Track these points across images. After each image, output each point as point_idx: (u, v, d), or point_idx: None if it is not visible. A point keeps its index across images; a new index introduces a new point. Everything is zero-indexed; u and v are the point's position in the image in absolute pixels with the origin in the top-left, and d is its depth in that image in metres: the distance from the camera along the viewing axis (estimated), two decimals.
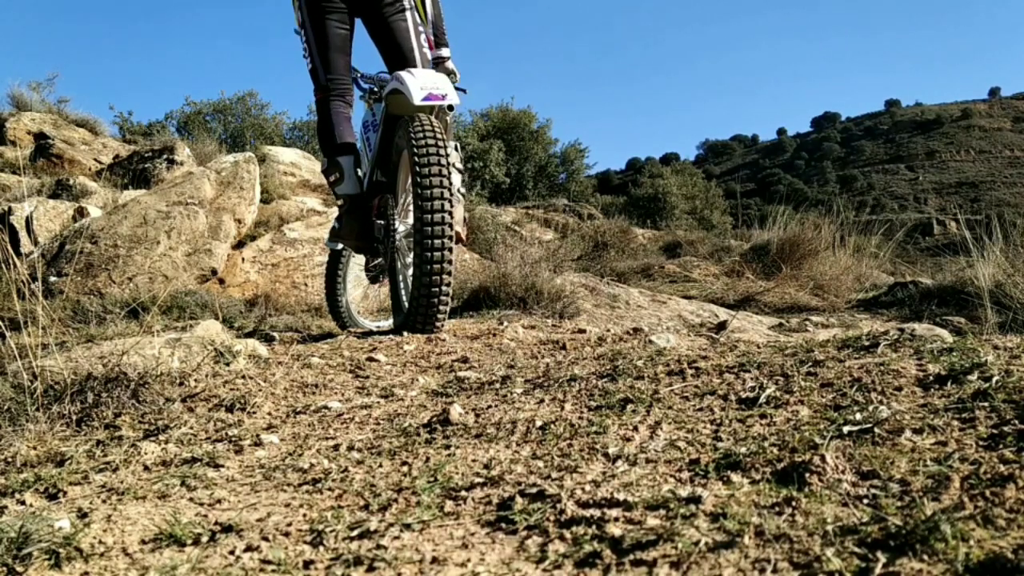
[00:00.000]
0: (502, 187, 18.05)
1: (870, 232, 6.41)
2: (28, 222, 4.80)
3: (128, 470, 1.29)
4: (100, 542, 0.95)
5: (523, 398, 1.52)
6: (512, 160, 18.95)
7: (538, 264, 3.77)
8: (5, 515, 1.09)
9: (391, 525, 0.91)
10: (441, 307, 2.46)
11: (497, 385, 1.70)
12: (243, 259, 5.45)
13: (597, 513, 0.86)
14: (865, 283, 5.57)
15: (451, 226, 2.38)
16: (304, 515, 0.99)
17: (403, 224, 2.91)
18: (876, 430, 1.00)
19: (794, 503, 0.82)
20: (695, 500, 0.85)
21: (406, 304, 2.73)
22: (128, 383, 1.73)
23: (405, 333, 2.49)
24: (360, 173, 2.97)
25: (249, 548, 0.90)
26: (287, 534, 0.93)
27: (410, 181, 2.53)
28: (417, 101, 2.47)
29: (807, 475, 0.89)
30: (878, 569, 0.66)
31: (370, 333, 2.99)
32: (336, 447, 1.33)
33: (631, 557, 0.76)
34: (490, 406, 1.49)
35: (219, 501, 1.09)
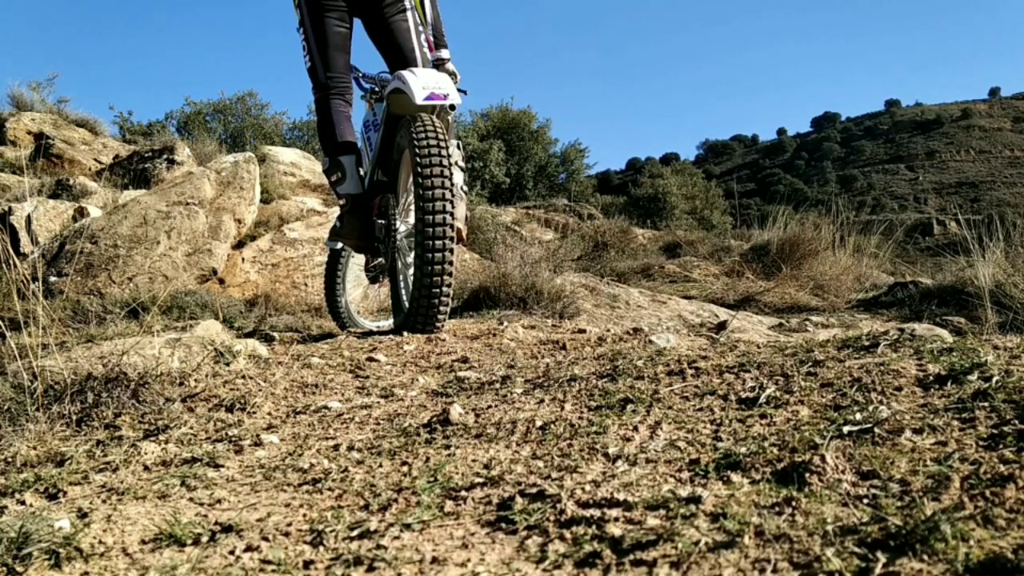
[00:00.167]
0: (502, 187, 18.04)
1: (870, 232, 6.41)
2: (28, 222, 4.80)
3: (128, 470, 1.29)
4: (100, 542, 0.95)
5: (523, 398, 1.52)
6: (512, 160, 18.95)
7: (538, 264, 3.77)
8: (5, 515, 1.09)
9: (391, 525, 0.91)
10: (441, 307, 2.46)
11: (497, 385, 1.70)
12: (243, 259, 5.45)
13: (597, 513, 0.86)
14: (865, 283, 5.57)
15: (452, 227, 2.38)
16: (304, 515, 0.99)
17: (404, 224, 2.91)
18: (876, 430, 1.00)
19: (794, 503, 0.82)
20: (695, 500, 0.85)
21: (406, 304, 2.73)
22: (128, 383, 1.73)
23: (405, 333, 2.49)
24: (361, 172, 2.97)
25: (249, 548, 0.90)
26: (287, 534, 0.93)
27: (411, 181, 2.53)
28: (419, 101, 2.46)
29: (807, 475, 0.89)
30: (878, 569, 0.66)
31: (370, 333, 2.99)
32: (336, 447, 1.33)
33: (631, 557, 0.76)
34: (490, 406, 1.49)
35: (219, 501, 1.09)
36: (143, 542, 0.95)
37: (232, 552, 0.89)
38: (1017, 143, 71.74)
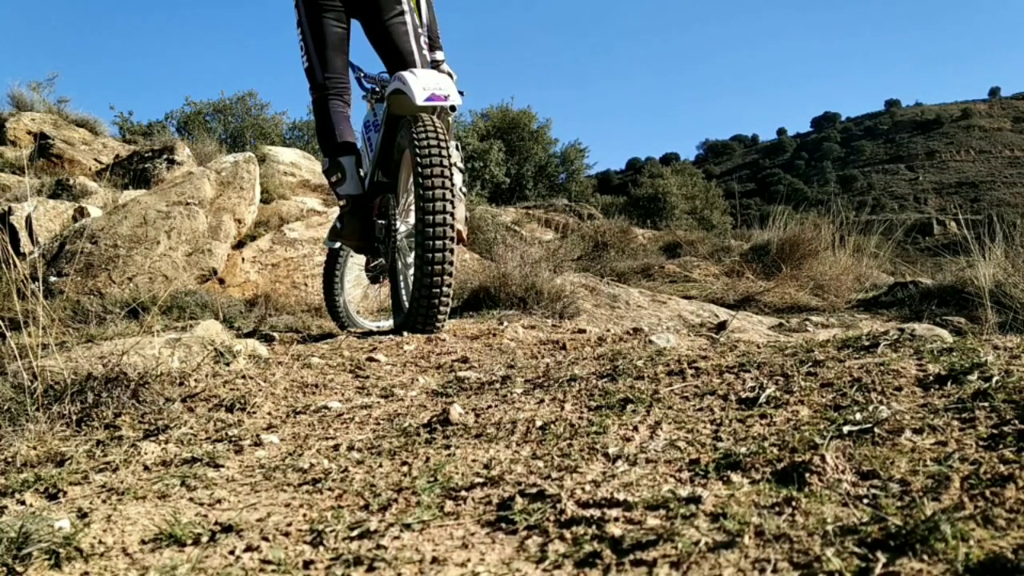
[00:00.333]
0: (502, 187, 18.04)
1: (870, 232, 6.41)
2: (28, 222, 4.80)
3: (128, 470, 1.29)
4: (100, 542, 0.95)
5: (523, 398, 1.52)
6: (512, 160, 18.95)
7: (538, 264, 3.77)
8: (5, 515, 1.09)
9: (391, 525, 0.91)
10: (442, 307, 2.46)
11: (497, 385, 1.70)
12: (243, 259, 5.45)
13: (597, 513, 0.86)
14: (865, 283, 5.57)
15: (452, 227, 2.38)
16: (304, 515, 0.99)
17: (404, 224, 2.91)
18: (876, 430, 1.00)
19: (794, 503, 0.82)
20: (695, 500, 0.85)
21: (406, 304, 2.73)
22: (128, 383, 1.73)
23: (405, 333, 2.49)
24: (361, 173, 2.97)
25: (249, 548, 0.90)
26: (287, 534, 0.93)
27: (411, 181, 2.53)
28: (420, 101, 2.46)
29: (807, 475, 0.89)
30: (878, 569, 0.66)
31: (370, 333, 2.99)
32: (336, 447, 1.33)
33: (631, 557, 0.76)
34: (490, 406, 1.49)
35: (219, 501, 1.09)
36: (143, 542, 0.95)
37: (232, 552, 0.89)
38: (1017, 143, 71.76)
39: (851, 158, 78.24)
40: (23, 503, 1.16)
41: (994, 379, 1.13)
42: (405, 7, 2.93)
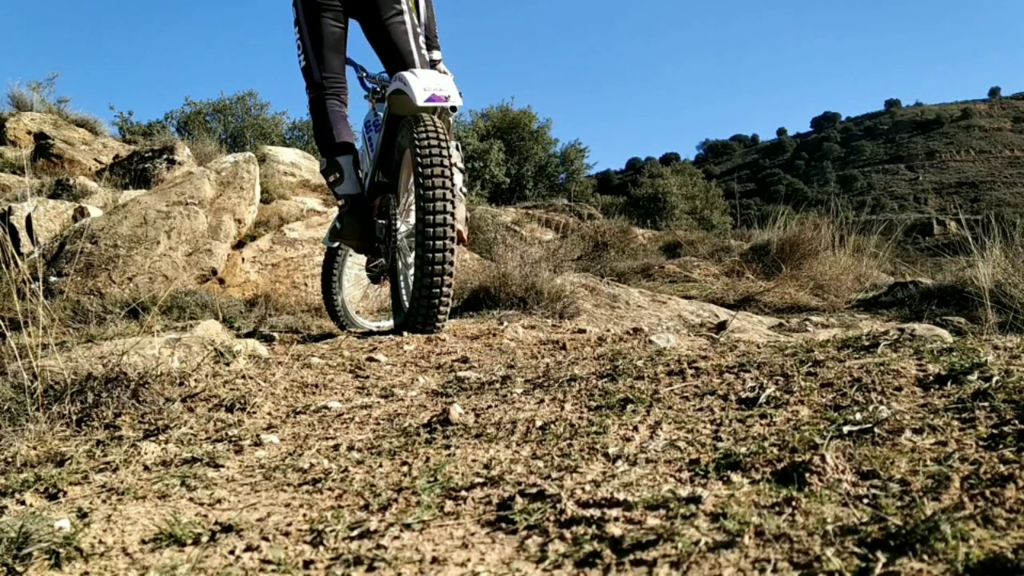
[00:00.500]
0: (502, 187, 18.04)
1: (870, 232, 6.41)
2: (28, 222, 4.80)
3: (128, 470, 1.29)
4: (100, 542, 0.95)
5: (523, 398, 1.52)
6: (512, 160, 18.95)
7: (538, 264, 3.77)
8: (5, 515, 1.09)
9: (391, 525, 0.91)
10: (442, 307, 2.46)
11: (497, 385, 1.70)
12: (243, 259, 5.45)
13: (597, 513, 0.86)
14: (865, 283, 5.57)
15: (453, 227, 2.38)
16: (304, 515, 0.99)
17: (404, 224, 2.91)
18: (876, 430, 1.00)
19: (794, 503, 0.82)
20: (695, 500, 0.85)
21: (407, 304, 2.73)
22: (128, 383, 1.73)
23: (405, 333, 2.49)
24: (360, 173, 2.97)
25: (249, 548, 0.90)
26: (287, 534, 0.93)
27: (412, 181, 2.53)
28: (420, 102, 2.46)
29: (807, 475, 0.89)
30: (878, 569, 0.66)
31: (370, 333, 2.99)
32: (336, 447, 1.33)
33: (631, 557, 0.76)
34: (490, 406, 1.49)
35: (219, 501, 1.09)
36: (143, 542, 0.95)
37: (232, 552, 0.89)
38: (1017, 143, 71.76)
39: (851, 158, 78.26)
40: (23, 503, 1.16)
41: (994, 379, 1.13)
42: (404, 6, 2.93)
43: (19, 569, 0.88)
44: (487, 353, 2.24)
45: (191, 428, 1.53)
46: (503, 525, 0.88)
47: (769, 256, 6.26)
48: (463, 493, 1.00)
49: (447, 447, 1.23)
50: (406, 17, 2.93)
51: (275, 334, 3.21)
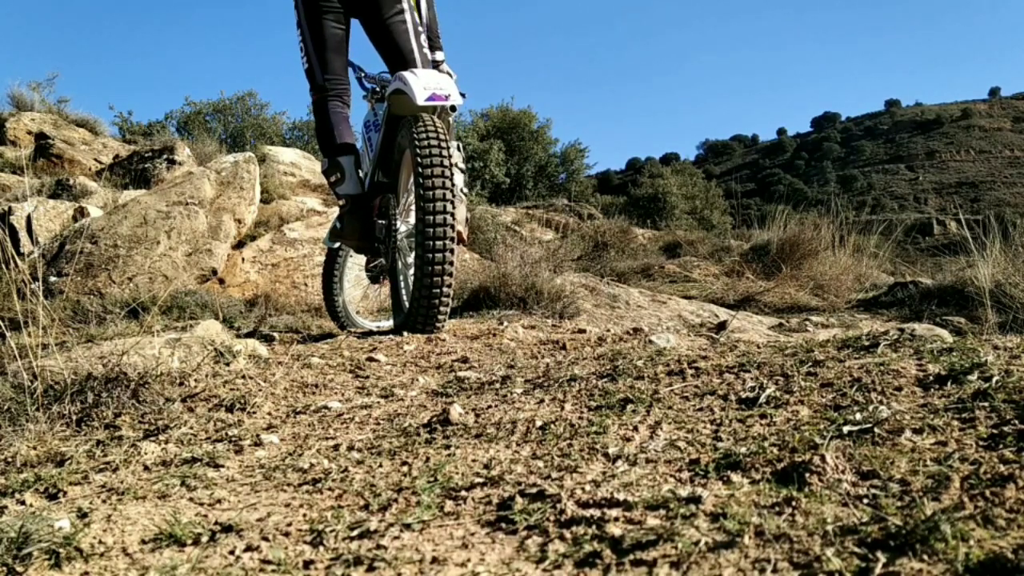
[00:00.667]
0: (502, 187, 18.04)
1: (870, 232, 6.41)
2: (28, 222, 4.80)
3: (128, 470, 1.29)
4: (100, 542, 0.95)
5: (523, 398, 1.52)
6: (512, 160, 18.95)
7: (538, 264, 3.77)
8: (5, 515, 1.09)
9: (391, 525, 0.91)
10: (442, 307, 2.46)
11: (497, 385, 1.70)
12: (243, 259, 5.45)
13: (597, 513, 0.86)
14: (865, 283, 5.57)
15: (453, 227, 2.38)
16: (304, 515, 0.99)
17: (404, 224, 2.91)
18: (876, 430, 1.00)
19: (794, 503, 0.82)
20: (695, 500, 0.85)
21: (407, 304, 2.73)
22: (128, 383, 1.73)
23: (405, 333, 2.49)
24: (361, 173, 2.97)
25: (249, 548, 0.90)
26: (287, 534, 0.93)
27: (412, 181, 2.53)
28: (420, 101, 2.46)
29: (807, 475, 0.89)
30: (878, 569, 0.66)
31: (370, 333, 2.99)
32: (336, 447, 1.33)
33: (631, 557, 0.76)
34: (490, 406, 1.49)
35: (219, 501, 1.09)
36: (143, 542, 0.95)
37: (232, 552, 0.89)
38: (1017, 143, 71.77)
39: (851, 158, 78.25)
40: (23, 503, 1.16)
41: (994, 379, 1.13)
42: (405, 6, 2.93)
43: (19, 569, 0.88)
44: (487, 353, 2.24)
45: (191, 428, 1.53)
46: (503, 525, 0.88)
47: (769, 256, 6.26)
48: (463, 493, 1.00)
49: (447, 447, 1.23)
50: (407, 16, 2.94)
51: (275, 334, 3.21)
